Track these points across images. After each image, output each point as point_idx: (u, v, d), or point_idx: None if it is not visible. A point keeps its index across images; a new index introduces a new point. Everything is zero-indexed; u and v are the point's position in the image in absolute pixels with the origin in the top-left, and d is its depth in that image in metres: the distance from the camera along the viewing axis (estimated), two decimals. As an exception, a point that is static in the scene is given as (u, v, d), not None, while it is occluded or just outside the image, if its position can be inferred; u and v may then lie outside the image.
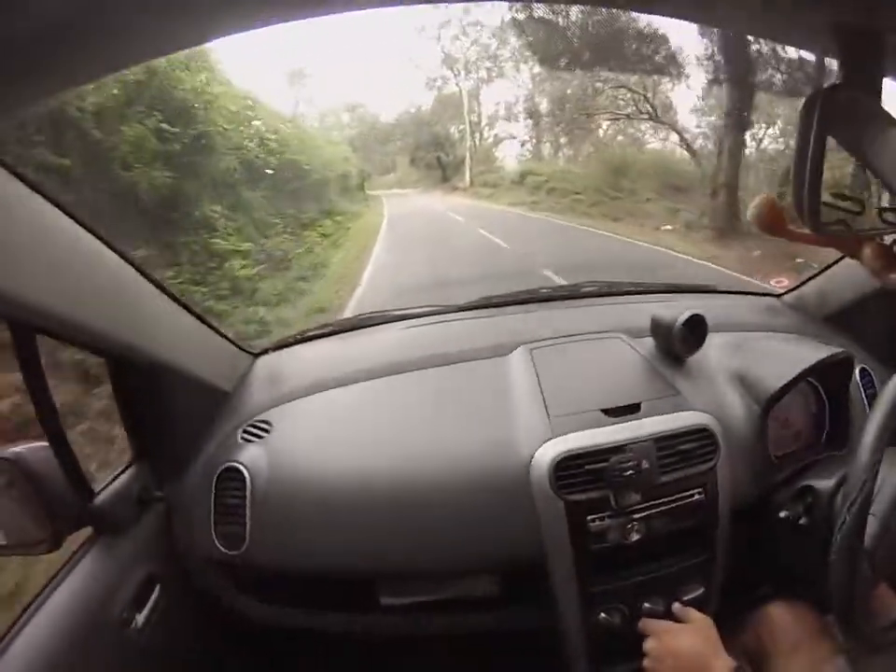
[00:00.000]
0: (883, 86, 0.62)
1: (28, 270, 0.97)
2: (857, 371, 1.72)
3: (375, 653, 1.91)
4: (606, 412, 1.49)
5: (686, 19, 0.80)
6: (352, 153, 28.92)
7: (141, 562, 1.40)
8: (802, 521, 1.41)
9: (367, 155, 35.07)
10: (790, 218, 0.60)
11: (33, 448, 1.30)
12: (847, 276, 1.96)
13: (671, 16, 0.81)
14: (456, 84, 32.60)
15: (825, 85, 0.56)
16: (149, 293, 1.39)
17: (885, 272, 0.60)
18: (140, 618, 1.33)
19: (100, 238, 1.20)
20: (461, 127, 34.44)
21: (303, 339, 2.12)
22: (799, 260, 8.66)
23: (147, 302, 1.39)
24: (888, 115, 0.60)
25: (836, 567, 1.14)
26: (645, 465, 1.36)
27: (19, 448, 1.30)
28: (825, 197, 0.56)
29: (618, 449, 1.39)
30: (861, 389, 1.75)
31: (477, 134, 34.04)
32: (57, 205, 1.07)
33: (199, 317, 1.61)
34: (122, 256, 1.27)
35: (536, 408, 1.52)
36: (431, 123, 35.65)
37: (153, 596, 1.39)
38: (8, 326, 1.07)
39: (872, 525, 1.16)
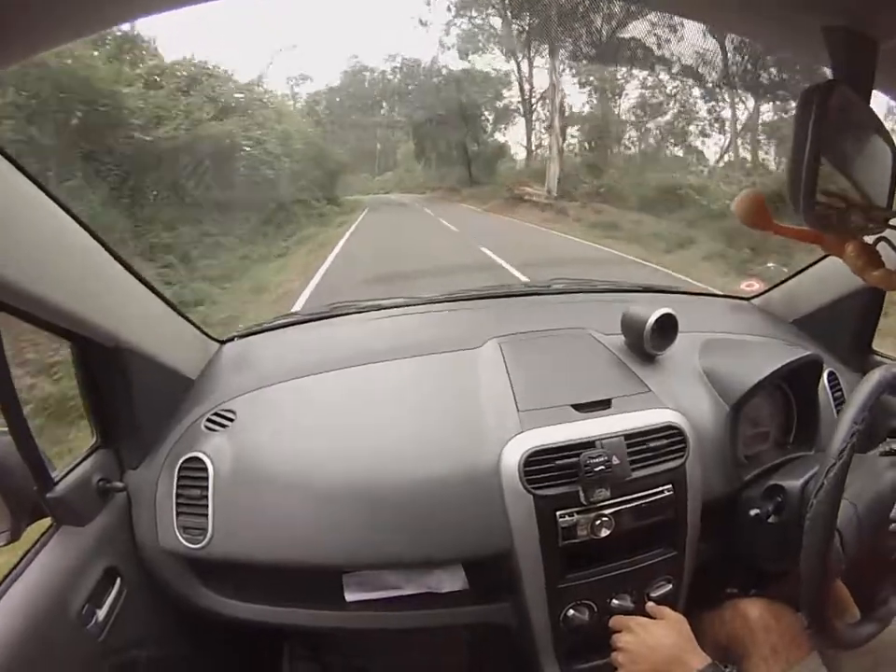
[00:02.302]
0: (872, 94, 0.63)
1: (10, 254, 0.96)
2: (825, 375, 1.76)
3: (343, 649, 1.89)
4: (576, 407, 1.49)
5: (679, 14, 0.80)
6: (320, 134, 26.23)
7: (101, 554, 1.35)
8: (771, 519, 1.43)
9: (347, 138, 31.78)
10: (773, 213, 0.61)
11: (-9, 434, 1.27)
12: (816, 282, 2.01)
13: (664, 10, 0.81)
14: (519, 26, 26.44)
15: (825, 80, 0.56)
16: (118, 275, 1.36)
17: (866, 269, 0.61)
18: (100, 613, 1.28)
19: (72, 215, 1.17)
20: (504, 101, 30.23)
21: (271, 327, 2.09)
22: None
23: (116, 284, 1.36)
24: (878, 121, 0.61)
25: (809, 543, 1.17)
26: (615, 461, 1.36)
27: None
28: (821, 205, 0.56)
29: (588, 444, 1.39)
30: (829, 392, 1.79)
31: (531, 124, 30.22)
32: (28, 177, 1.04)
33: (167, 302, 1.58)
34: (93, 235, 1.24)
35: (505, 401, 1.52)
36: (451, 91, 29.47)
37: (113, 592, 1.35)
38: None
39: (845, 510, 1.20)
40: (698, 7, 0.74)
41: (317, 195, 20.41)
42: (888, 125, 0.63)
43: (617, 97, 27.03)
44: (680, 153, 25.41)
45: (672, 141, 25.45)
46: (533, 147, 30.66)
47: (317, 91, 30.81)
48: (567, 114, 26.44)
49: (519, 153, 32.01)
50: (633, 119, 26.89)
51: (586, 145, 27.30)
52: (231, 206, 13.52)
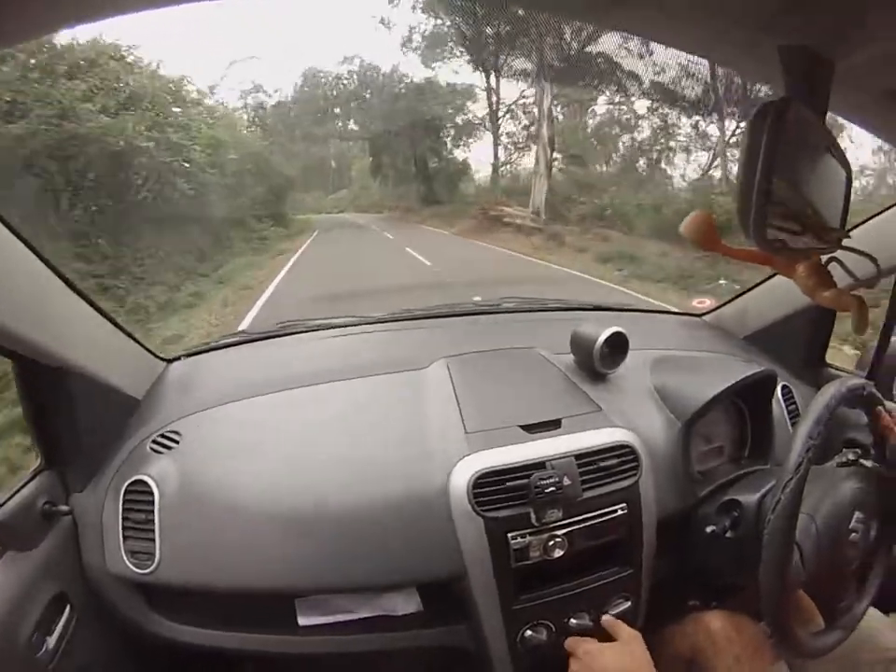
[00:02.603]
0: (826, 113, 0.63)
1: None
2: (779, 389, 1.78)
3: (297, 668, 1.86)
4: (525, 427, 1.48)
5: (636, 34, 0.80)
6: (266, 146, 25.19)
7: (49, 580, 1.32)
8: (728, 534, 1.43)
9: (298, 151, 30.65)
10: (719, 235, 0.61)
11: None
12: (767, 298, 2.04)
13: (622, 30, 0.81)
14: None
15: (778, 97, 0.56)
16: (60, 291, 1.33)
17: (817, 289, 0.62)
18: (51, 641, 1.26)
19: (11, 231, 1.15)
20: (468, 115, 30.00)
21: (218, 346, 2.07)
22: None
23: (57, 301, 1.33)
24: (833, 140, 0.62)
25: (768, 557, 1.17)
26: (567, 481, 1.35)
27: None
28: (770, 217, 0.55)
29: (539, 465, 1.38)
30: (784, 406, 1.81)
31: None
32: None
33: (111, 320, 1.55)
34: (34, 251, 1.22)
35: (452, 423, 1.51)
36: (411, 100, 28.36)
37: (63, 617, 1.32)
38: None
39: (801, 519, 1.19)
40: (650, 24, 0.74)
41: (260, 214, 19.33)
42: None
43: (593, 107, 27.21)
44: (667, 170, 24.89)
45: (656, 157, 24.93)
46: (500, 164, 30.03)
47: (265, 101, 29.60)
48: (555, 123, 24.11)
49: (481, 171, 31.93)
50: (617, 131, 26.91)
51: (567, 160, 25.68)
52: (127, 229, 11.24)
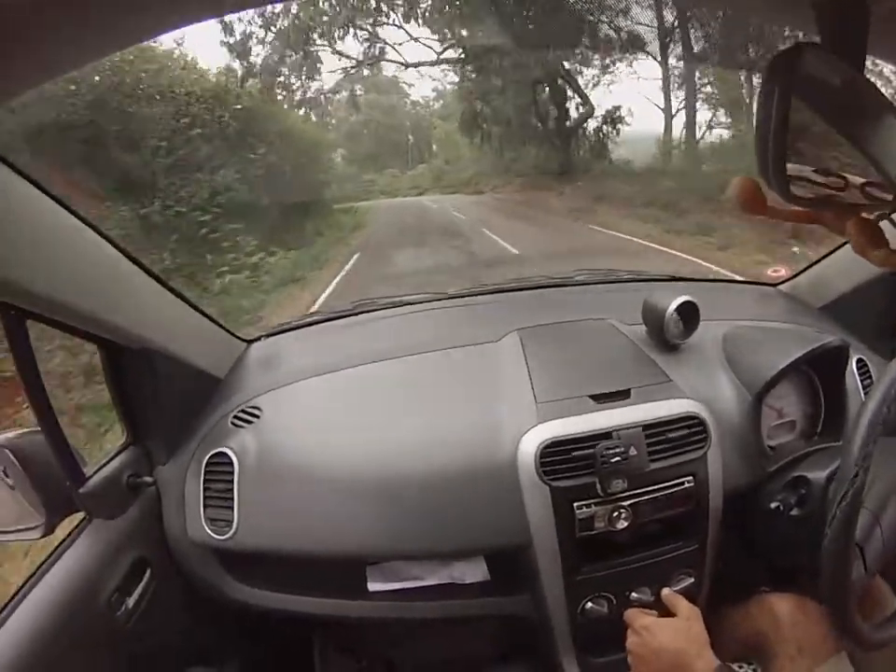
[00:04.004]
0: (865, 60, 0.60)
1: (26, 257, 0.99)
2: (853, 362, 1.71)
3: (369, 641, 1.91)
4: (594, 397, 1.48)
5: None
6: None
7: (132, 546, 1.41)
8: (794, 511, 1.40)
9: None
10: (770, 198, 0.58)
11: (25, 434, 1.33)
12: (843, 266, 1.96)
13: None
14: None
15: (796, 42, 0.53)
16: (142, 281, 1.40)
17: (868, 247, 0.58)
18: (130, 602, 1.34)
19: (94, 228, 1.21)
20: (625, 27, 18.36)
21: (296, 326, 2.13)
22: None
23: (141, 290, 1.40)
24: (865, 84, 0.57)
25: (828, 561, 1.13)
26: (633, 452, 1.35)
27: (10, 434, 1.32)
28: (807, 173, 0.54)
29: (605, 435, 1.38)
30: (858, 380, 1.74)
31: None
32: (51, 196, 1.08)
33: (192, 305, 1.62)
34: (115, 246, 1.28)
35: (524, 393, 1.52)
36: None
37: (143, 580, 1.41)
38: (2, 315, 1.09)
39: (864, 518, 1.16)
40: None
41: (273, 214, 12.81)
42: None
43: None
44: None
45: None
46: (673, 111, 20.71)
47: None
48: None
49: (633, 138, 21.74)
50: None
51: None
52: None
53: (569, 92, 23.35)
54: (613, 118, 22.84)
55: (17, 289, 0.99)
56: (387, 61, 25.12)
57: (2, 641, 1.09)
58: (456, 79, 27.67)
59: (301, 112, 23.88)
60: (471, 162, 29.47)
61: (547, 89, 23.56)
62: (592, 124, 23.45)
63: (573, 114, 23.63)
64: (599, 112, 23.07)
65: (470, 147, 28.73)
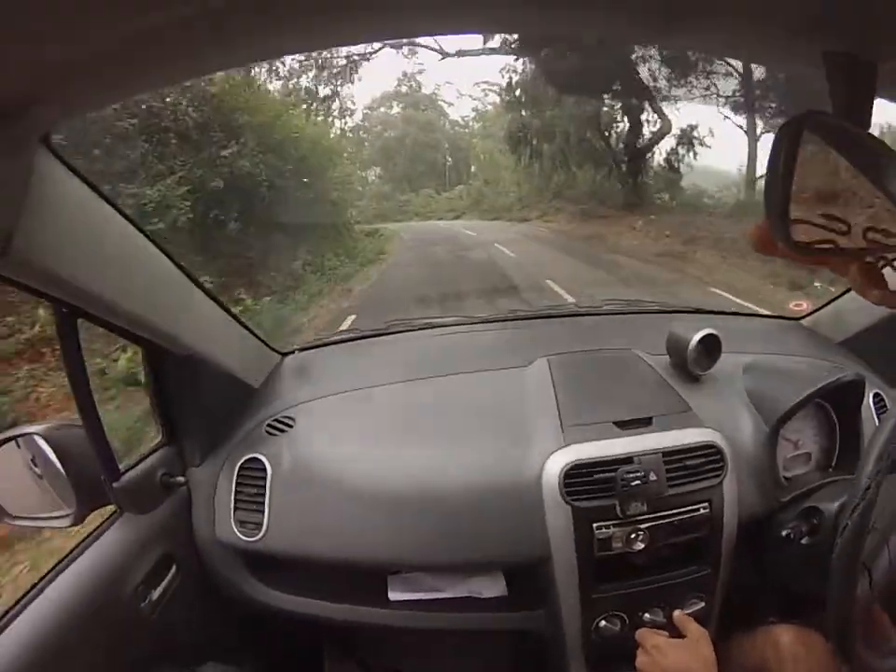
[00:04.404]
0: (872, 116, 0.62)
1: (84, 259, 1.04)
2: (870, 396, 1.73)
3: (380, 650, 1.95)
4: (618, 424, 1.52)
5: (682, 47, 0.81)
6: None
7: (159, 542, 1.45)
8: (804, 540, 1.42)
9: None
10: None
11: (64, 425, 1.38)
12: (863, 301, 1.93)
13: (667, 46, 0.81)
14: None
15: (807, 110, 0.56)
16: (188, 289, 1.44)
17: (867, 289, 0.62)
18: (154, 594, 1.38)
19: (146, 236, 1.25)
20: None
21: (330, 342, 2.20)
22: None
23: (186, 297, 1.44)
24: (879, 145, 0.60)
25: (834, 579, 1.15)
26: (653, 477, 1.39)
27: (48, 425, 1.37)
28: (812, 216, 0.57)
29: (627, 460, 1.42)
30: (874, 414, 1.76)
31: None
32: (108, 201, 1.12)
33: (233, 316, 1.67)
34: (166, 254, 1.33)
35: (550, 417, 1.56)
36: None
37: (168, 576, 1.45)
38: (54, 310, 1.13)
39: (873, 539, 1.17)
40: (697, 33, 0.75)
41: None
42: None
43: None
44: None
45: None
46: (758, 133, 18.24)
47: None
48: None
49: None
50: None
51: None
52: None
53: (642, 103, 19.14)
54: (690, 138, 19.34)
55: (74, 289, 1.03)
56: (423, 47, 23.66)
57: (27, 621, 1.13)
58: (497, 99, 26.00)
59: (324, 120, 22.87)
60: (515, 185, 26.96)
61: (614, 98, 19.77)
62: (666, 145, 19.89)
63: (644, 131, 20.07)
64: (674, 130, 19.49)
65: (514, 169, 26.00)
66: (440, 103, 31.98)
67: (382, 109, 29.08)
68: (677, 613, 1.44)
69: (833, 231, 0.58)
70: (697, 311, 2.37)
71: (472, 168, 31.96)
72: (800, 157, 0.55)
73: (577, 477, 1.41)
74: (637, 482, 1.37)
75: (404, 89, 30.24)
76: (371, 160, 27.86)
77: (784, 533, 1.46)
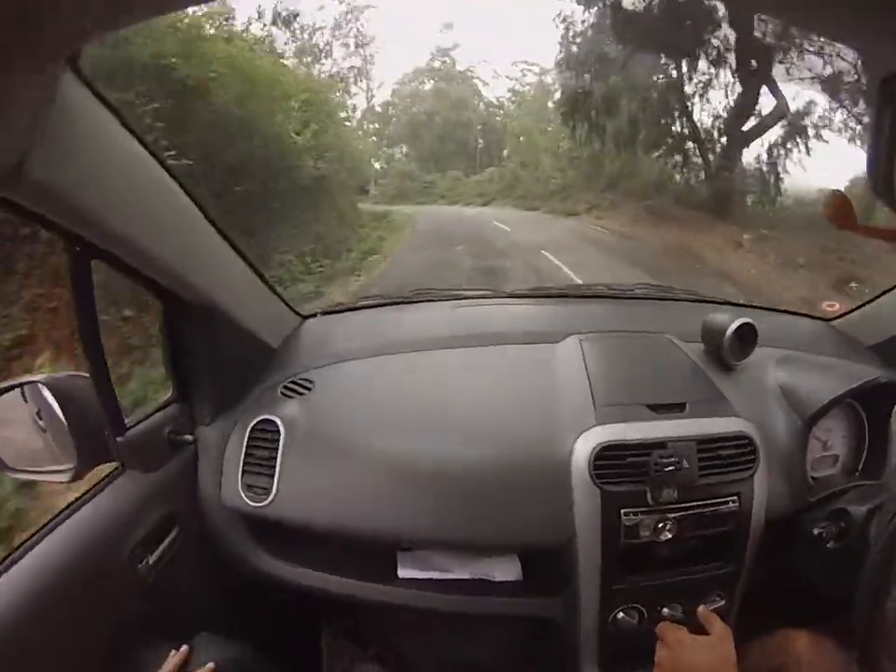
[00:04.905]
0: None
1: (103, 192, 1.00)
2: None
3: (381, 630, 1.92)
4: (651, 407, 1.47)
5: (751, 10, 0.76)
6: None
7: (163, 502, 1.41)
8: (830, 544, 1.40)
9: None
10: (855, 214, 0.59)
11: (71, 376, 1.34)
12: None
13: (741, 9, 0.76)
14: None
15: None
16: (215, 241, 1.41)
17: None
18: (152, 557, 1.34)
19: (176, 180, 1.22)
20: None
21: (354, 307, 2.16)
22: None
23: (212, 248, 1.41)
24: None
25: (863, 591, 1.12)
26: (685, 464, 1.34)
27: (55, 374, 1.34)
28: None
29: (660, 445, 1.37)
30: None
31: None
32: (140, 140, 1.08)
33: (258, 273, 1.63)
34: (196, 202, 1.29)
35: (582, 395, 1.51)
36: None
37: (168, 538, 1.41)
38: (67, 250, 1.09)
39: None
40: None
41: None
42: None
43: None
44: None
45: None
46: None
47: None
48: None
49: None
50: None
51: None
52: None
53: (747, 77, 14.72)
54: (801, 127, 14.81)
55: (91, 222, 0.99)
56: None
57: (22, 570, 1.10)
58: (536, 80, 23.15)
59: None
60: (557, 171, 22.64)
61: (709, 66, 15.35)
62: (772, 135, 15.49)
63: (748, 111, 15.36)
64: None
65: (555, 152, 22.69)
66: (474, 80, 30.78)
67: (413, 84, 28.45)
68: (701, 609, 1.40)
69: None
70: (727, 302, 2.32)
71: (505, 152, 29.13)
72: None
73: (608, 459, 1.36)
74: (672, 467, 1.33)
75: (437, 64, 29.48)
76: (397, 135, 27.25)
77: (816, 532, 1.43)
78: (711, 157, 16.79)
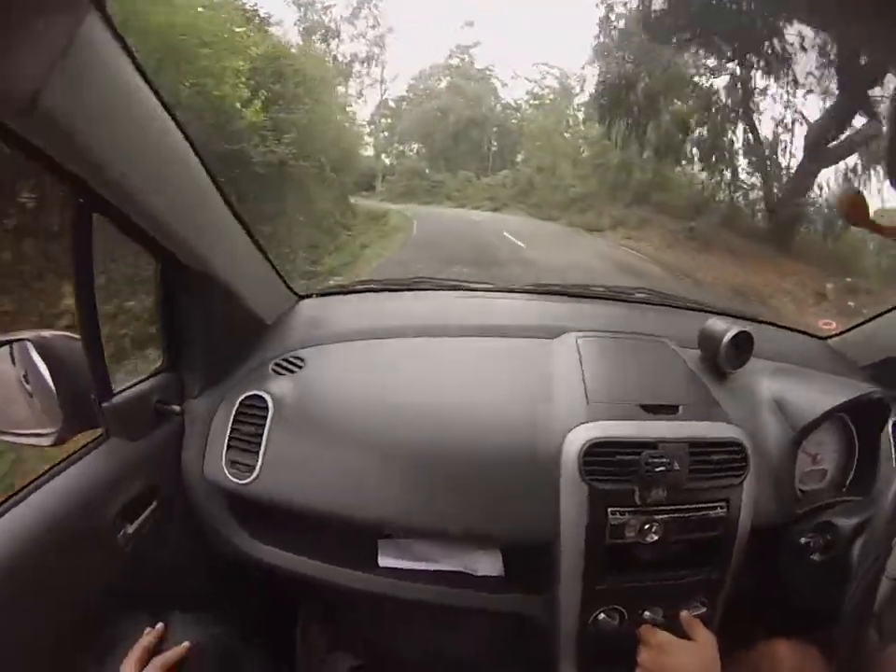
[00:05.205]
0: None
1: (114, 141, 1.00)
2: (889, 425, 1.69)
3: (354, 615, 1.91)
4: (644, 407, 1.47)
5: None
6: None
7: (145, 472, 1.40)
8: (815, 556, 1.40)
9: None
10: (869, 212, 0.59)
11: (59, 336, 1.33)
12: (893, 327, 1.96)
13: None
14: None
15: None
16: (220, 208, 1.41)
17: None
18: (132, 526, 1.33)
19: (190, 143, 1.22)
20: None
21: (351, 290, 2.16)
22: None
23: (216, 215, 1.41)
24: None
25: (848, 625, 1.12)
26: (676, 465, 1.34)
27: (45, 333, 1.32)
28: None
29: (651, 445, 1.36)
30: (892, 441, 1.72)
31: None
32: (158, 95, 1.08)
33: (260, 247, 1.63)
34: (205, 167, 1.29)
35: (575, 391, 1.50)
36: None
37: (149, 510, 1.39)
38: (70, 199, 1.09)
39: (884, 587, 1.12)
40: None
41: None
42: None
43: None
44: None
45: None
46: None
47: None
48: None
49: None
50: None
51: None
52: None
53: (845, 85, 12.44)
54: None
55: (98, 169, 0.99)
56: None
57: None
58: (556, 84, 21.21)
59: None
60: (578, 178, 20.50)
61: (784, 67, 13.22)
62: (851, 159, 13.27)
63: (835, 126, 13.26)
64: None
65: (574, 159, 20.68)
66: (492, 80, 30.38)
67: (430, 81, 28.24)
68: (684, 614, 1.40)
69: None
70: (726, 312, 2.31)
71: (520, 157, 27.71)
72: None
73: (598, 455, 1.35)
74: (662, 468, 1.32)
75: (455, 61, 29.33)
76: (409, 132, 26.96)
77: (803, 542, 1.43)
78: (775, 176, 14.21)
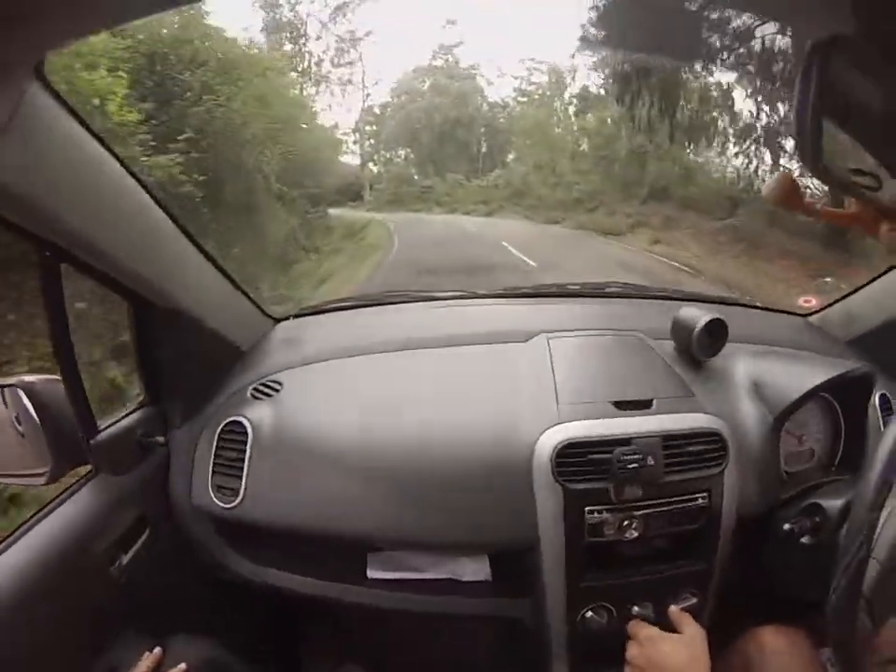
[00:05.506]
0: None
1: (71, 198, 1.03)
2: (876, 397, 1.69)
3: (351, 627, 1.94)
4: (616, 404, 1.47)
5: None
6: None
7: (135, 503, 1.43)
8: (804, 539, 1.38)
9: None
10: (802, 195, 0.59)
11: (44, 380, 1.35)
12: (874, 301, 1.95)
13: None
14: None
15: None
16: (182, 244, 1.43)
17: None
18: (125, 557, 1.36)
19: (142, 185, 1.24)
20: None
21: (325, 309, 2.17)
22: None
23: (179, 251, 1.43)
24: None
25: (837, 612, 1.11)
26: (650, 461, 1.34)
27: (30, 378, 1.35)
28: (843, 170, 0.55)
29: (624, 441, 1.37)
30: (879, 414, 1.70)
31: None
32: (105, 146, 1.11)
33: (227, 276, 1.65)
34: (161, 206, 1.31)
35: (546, 394, 1.51)
36: None
37: (141, 540, 1.42)
38: (37, 253, 1.11)
39: (872, 570, 1.10)
40: None
41: None
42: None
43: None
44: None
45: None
46: None
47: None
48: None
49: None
50: None
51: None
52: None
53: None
54: None
55: (59, 227, 1.02)
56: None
57: None
58: (544, 80, 19.95)
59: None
60: (579, 174, 19.02)
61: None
62: None
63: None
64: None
65: (573, 154, 19.74)
66: (478, 78, 29.15)
67: (413, 83, 27.80)
68: (673, 608, 1.40)
69: (865, 188, 0.56)
70: (702, 299, 2.33)
71: (510, 157, 26.58)
72: (829, 80, 0.53)
73: (570, 457, 1.36)
74: (635, 464, 1.32)
75: (439, 62, 28.44)
76: (394, 137, 26.30)
77: (787, 527, 1.41)
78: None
